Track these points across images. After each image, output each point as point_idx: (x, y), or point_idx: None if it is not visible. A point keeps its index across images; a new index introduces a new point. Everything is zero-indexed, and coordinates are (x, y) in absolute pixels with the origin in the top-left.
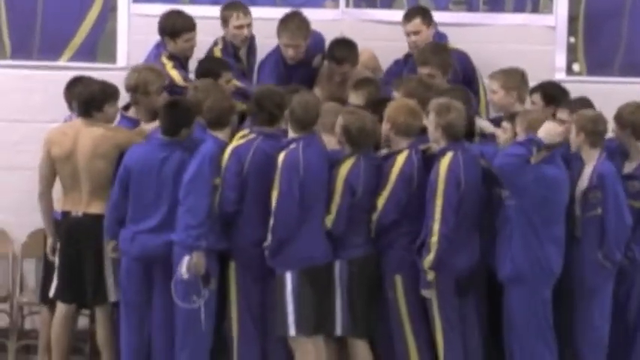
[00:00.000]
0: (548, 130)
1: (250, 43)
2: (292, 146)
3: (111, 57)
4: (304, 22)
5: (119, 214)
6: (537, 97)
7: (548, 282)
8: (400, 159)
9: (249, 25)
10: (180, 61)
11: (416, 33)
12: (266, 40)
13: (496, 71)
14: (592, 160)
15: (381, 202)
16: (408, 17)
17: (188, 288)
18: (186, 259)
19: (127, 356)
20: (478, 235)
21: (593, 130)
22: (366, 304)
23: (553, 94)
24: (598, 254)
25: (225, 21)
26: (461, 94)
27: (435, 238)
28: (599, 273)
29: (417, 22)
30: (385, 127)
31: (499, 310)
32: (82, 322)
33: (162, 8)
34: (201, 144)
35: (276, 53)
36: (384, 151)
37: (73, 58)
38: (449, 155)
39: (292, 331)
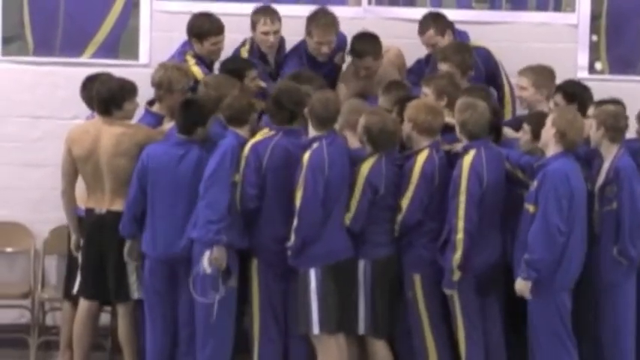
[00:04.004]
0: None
1: (280, 45)
2: (316, 145)
3: (133, 53)
4: (334, 18)
5: (137, 211)
6: (559, 97)
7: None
8: (420, 158)
9: (275, 33)
10: (206, 63)
11: (432, 45)
12: (289, 38)
13: (526, 67)
14: (610, 156)
15: (405, 202)
16: (421, 29)
17: (208, 283)
18: (207, 253)
19: (151, 357)
20: (499, 233)
21: (614, 125)
22: (388, 303)
23: (573, 92)
24: (614, 250)
25: (253, 24)
26: (480, 94)
27: (460, 236)
28: (617, 269)
29: (430, 34)
30: (407, 126)
31: (521, 309)
32: (104, 318)
33: (184, 5)
34: (218, 141)
35: (299, 49)
36: (406, 152)
37: (95, 55)
38: (472, 152)
39: (316, 329)
